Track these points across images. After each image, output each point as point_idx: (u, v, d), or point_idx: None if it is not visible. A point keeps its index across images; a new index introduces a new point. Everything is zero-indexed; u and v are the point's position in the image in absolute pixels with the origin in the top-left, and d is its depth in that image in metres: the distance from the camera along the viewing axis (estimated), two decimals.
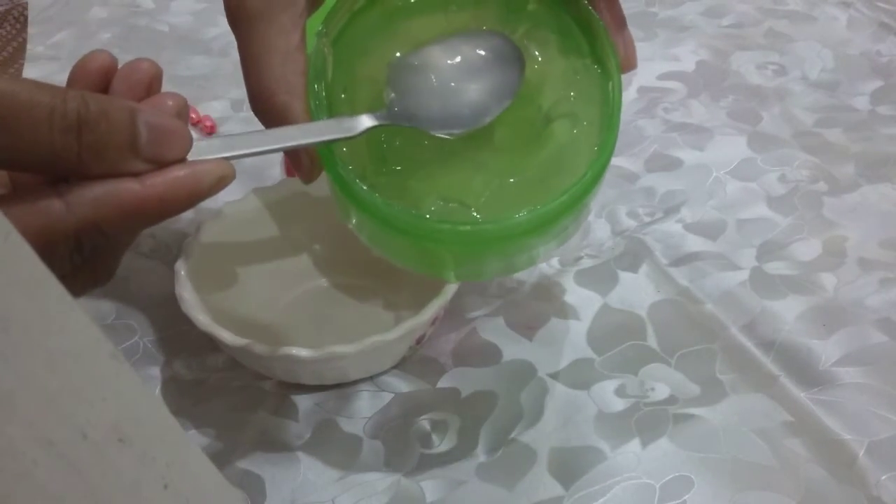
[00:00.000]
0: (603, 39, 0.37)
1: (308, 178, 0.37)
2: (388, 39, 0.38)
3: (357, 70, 0.37)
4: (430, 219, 0.35)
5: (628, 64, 0.37)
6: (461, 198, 0.36)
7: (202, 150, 0.31)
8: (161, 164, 0.29)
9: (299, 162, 0.36)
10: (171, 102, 0.34)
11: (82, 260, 0.30)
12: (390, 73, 0.35)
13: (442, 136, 0.35)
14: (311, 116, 0.34)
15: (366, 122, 0.34)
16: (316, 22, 0.36)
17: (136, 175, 0.29)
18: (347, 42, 0.37)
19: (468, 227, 0.35)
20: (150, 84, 0.35)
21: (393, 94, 0.35)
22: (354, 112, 0.35)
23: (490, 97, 0.35)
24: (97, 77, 0.35)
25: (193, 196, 0.30)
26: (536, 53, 0.37)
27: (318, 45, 0.36)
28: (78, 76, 0.36)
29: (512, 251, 0.37)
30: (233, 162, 0.32)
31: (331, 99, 0.36)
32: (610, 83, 0.36)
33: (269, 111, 0.34)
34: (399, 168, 0.36)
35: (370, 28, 0.38)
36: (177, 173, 0.30)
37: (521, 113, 0.37)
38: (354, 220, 0.36)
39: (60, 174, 0.29)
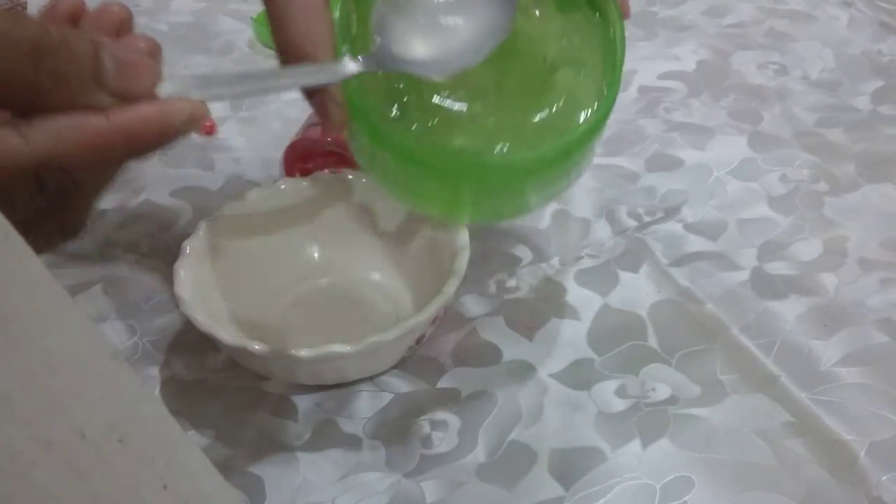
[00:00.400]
0: None
1: (337, 127, 0.37)
2: None
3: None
4: (460, 151, 0.36)
5: (625, 11, 0.38)
6: (481, 139, 0.37)
7: (175, 89, 0.29)
8: (128, 99, 0.28)
9: (327, 111, 0.36)
10: (142, 44, 0.33)
11: (46, 203, 0.29)
12: (375, 18, 0.35)
13: (434, 78, 0.35)
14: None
15: (350, 67, 0.33)
16: None
17: (101, 110, 0.28)
18: None
19: (499, 159, 0.36)
20: (121, 27, 0.34)
21: (379, 39, 0.35)
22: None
23: (480, 34, 0.35)
24: (65, 20, 0.34)
25: (162, 135, 0.29)
26: (536, 12, 0.39)
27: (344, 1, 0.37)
28: (46, 19, 0.34)
29: (532, 186, 0.39)
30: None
31: (355, 52, 0.36)
32: (611, 29, 0.38)
33: (299, 61, 0.34)
34: (416, 115, 0.37)
35: None
36: (145, 109, 0.28)
37: (527, 64, 0.38)
38: (381, 163, 0.37)
39: (19, 107, 0.27)
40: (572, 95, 0.38)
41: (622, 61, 0.38)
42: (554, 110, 0.38)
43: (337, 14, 0.36)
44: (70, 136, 0.27)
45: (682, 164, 0.57)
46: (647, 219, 0.53)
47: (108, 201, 0.56)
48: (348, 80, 0.35)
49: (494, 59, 0.37)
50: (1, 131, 0.26)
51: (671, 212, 0.53)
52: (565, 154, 0.37)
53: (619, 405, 0.42)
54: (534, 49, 0.38)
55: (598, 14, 0.39)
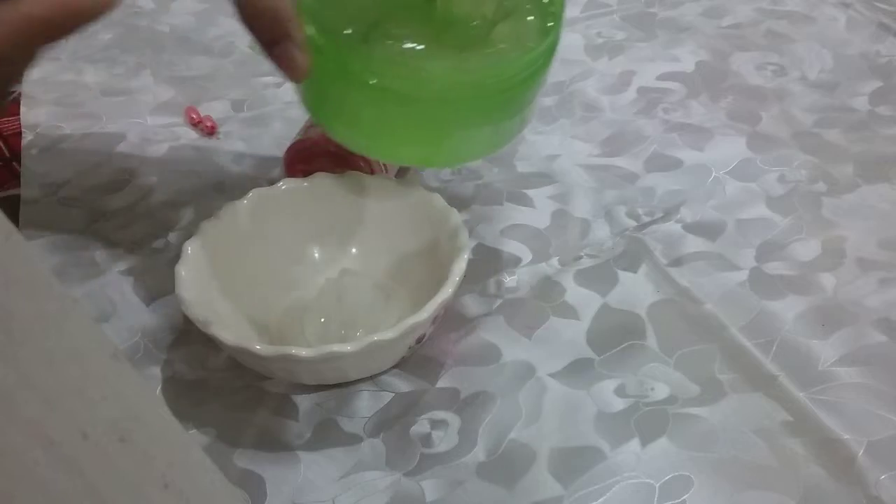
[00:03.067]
0: None
1: (302, 72, 0.40)
2: None
3: None
4: (433, 70, 0.39)
5: None
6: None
7: None
8: None
9: (292, 58, 0.39)
10: None
11: None
12: None
13: None
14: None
15: None
16: None
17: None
18: None
19: (468, 73, 0.39)
20: None
21: None
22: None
23: None
24: None
25: (74, 18, 0.30)
26: None
27: None
28: None
29: (499, 108, 0.42)
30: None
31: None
32: None
33: (261, 15, 0.38)
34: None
35: None
36: None
37: (469, 24, 0.42)
38: (348, 99, 0.41)
39: None
40: (516, 40, 0.41)
41: (562, 10, 0.42)
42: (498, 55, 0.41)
43: None
44: None
45: (680, 165, 0.57)
46: (646, 219, 0.53)
47: (110, 202, 0.56)
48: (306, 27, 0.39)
49: (432, 26, 0.42)
50: None
51: (670, 212, 0.53)
52: (508, 79, 0.41)
53: (619, 404, 0.42)
54: (475, 9, 0.42)
55: None
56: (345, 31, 0.41)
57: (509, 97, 0.42)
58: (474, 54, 0.41)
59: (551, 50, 0.42)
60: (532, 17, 0.43)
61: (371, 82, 0.40)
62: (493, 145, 0.46)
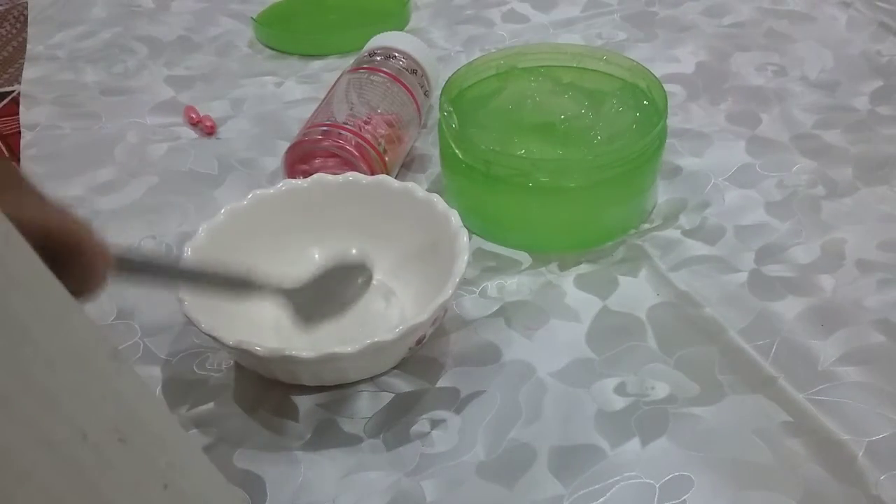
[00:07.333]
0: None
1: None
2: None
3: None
4: (572, 162, 0.50)
5: None
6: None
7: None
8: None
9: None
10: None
11: None
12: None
13: None
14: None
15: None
16: None
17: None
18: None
19: (601, 160, 0.49)
20: None
21: None
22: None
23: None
24: None
25: None
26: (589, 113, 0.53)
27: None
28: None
29: (631, 187, 0.51)
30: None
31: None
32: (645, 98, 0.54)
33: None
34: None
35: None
36: None
37: (587, 134, 0.52)
38: (498, 204, 0.51)
39: None
40: (629, 133, 0.51)
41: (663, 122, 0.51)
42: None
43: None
44: None
45: (680, 172, 0.57)
46: (644, 227, 0.53)
47: (110, 202, 0.56)
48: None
49: (556, 142, 0.51)
50: None
51: (669, 220, 0.53)
52: (633, 160, 0.49)
53: (619, 403, 0.42)
54: (587, 128, 0.52)
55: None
56: (488, 149, 0.49)
57: (636, 177, 0.51)
58: (601, 148, 0.51)
59: (663, 133, 0.52)
60: (638, 113, 0.53)
61: (529, 185, 0.49)
62: (636, 220, 0.53)
